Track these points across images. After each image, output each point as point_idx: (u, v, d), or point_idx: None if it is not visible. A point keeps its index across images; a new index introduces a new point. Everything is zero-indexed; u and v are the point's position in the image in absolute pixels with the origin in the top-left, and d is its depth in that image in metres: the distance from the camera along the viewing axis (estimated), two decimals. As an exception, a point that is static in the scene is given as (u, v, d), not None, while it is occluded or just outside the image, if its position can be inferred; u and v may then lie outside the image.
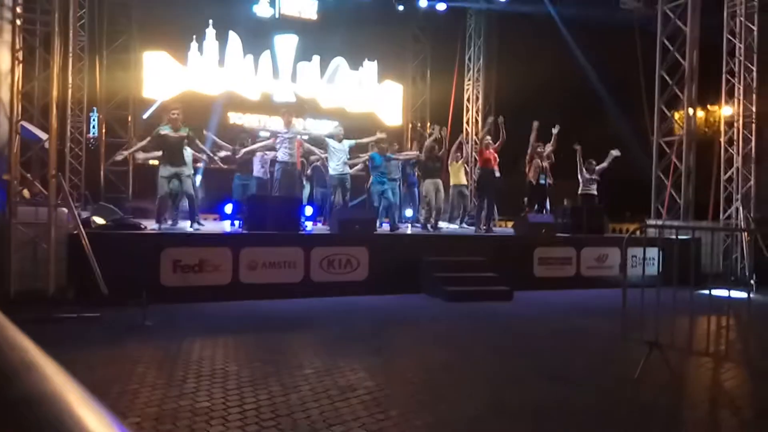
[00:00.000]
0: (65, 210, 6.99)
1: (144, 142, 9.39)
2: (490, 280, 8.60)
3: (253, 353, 5.00)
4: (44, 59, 7.64)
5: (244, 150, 10.24)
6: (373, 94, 16.34)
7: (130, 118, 13.62)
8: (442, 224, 11.23)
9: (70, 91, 11.82)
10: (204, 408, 3.60)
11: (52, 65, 7.14)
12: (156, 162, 11.16)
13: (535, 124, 10.89)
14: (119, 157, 11.26)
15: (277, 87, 15.05)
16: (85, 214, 8.29)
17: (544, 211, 11.31)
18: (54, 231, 6.75)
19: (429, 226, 10.45)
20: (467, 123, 17.67)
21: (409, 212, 12.48)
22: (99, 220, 7.92)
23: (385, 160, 10.45)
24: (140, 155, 10.72)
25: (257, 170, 10.64)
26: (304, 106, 11.17)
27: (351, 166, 10.94)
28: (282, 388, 3.99)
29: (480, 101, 17.54)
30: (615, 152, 11.28)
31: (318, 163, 11.45)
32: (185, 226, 8.80)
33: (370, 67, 16.34)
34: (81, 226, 6.78)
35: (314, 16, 15.53)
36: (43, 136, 7.64)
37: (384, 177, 10.36)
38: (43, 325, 5.55)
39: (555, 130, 11.09)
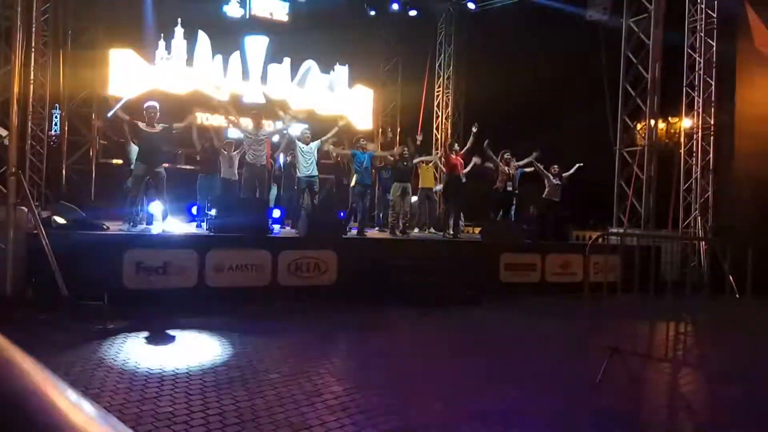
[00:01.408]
0: (25, 209, 6.79)
1: (126, 117, 8.62)
2: (457, 285, 8.68)
3: (218, 357, 4.94)
4: (5, 54, 7.43)
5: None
6: (344, 98, 16.33)
7: (93, 116, 13.30)
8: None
9: (32, 88, 11.48)
10: (166, 413, 3.54)
11: (14, 60, 6.94)
12: (120, 161, 10.94)
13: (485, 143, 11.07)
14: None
15: (246, 88, 14.91)
16: (45, 214, 8.06)
17: (510, 218, 11.48)
18: (13, 230, 6.54)
19: (397, 231, 10.50)
20: (437, 129, 17.83)
21: (381, 214, 12.51)
22: (60, 220, 7.71)
23: (369, 158, 10.46)
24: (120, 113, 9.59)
25: (225, 171, 10.51)
26: (278, 111, 11.09)
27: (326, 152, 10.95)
28: (247, 393, 3.96)
29: (449, 108, 17.74)
30: (579, 165, 11.67)
31: (287, 159, 11.34)
32: (150, 227, 8.64)
33: (341, 71, 16.33)
34: (41, 226, 6.59)
35: (285, 18, 15.45)
36: (3, 132, 7.43)
37: (367, 178, 10.37)
38: (0, 327, 5.37)
39: (474, 129, 11.07)
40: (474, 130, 10.90)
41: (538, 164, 11.57)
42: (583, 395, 4.35)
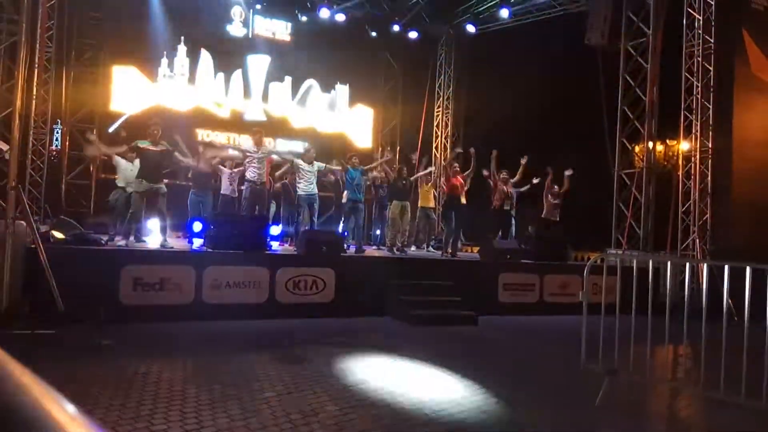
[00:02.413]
0: (23, 223, 6.79)
1: (122, 149, 9.04)
2: (455, 305, 8.65)
3: (214, 375, 4.89)
4: (9, 69, 7.49)
5: (209, 154, 10.14)
6: (344, 117, 16.45)
7: (95, 132, 13.36)
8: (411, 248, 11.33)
9: (34, 103, 11.56)
10: (160, 431, 3.50)
11: (17, 75, 7.00)
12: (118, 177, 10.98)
13: (494, 153, 11.28)
14: (90, 137, 10.24)
15: (248, 106, 15.02)
16: (43, 228, 8.06)
17: (509, 237, 11.49)
18: (11, 244, 6.53)
19: (395, 249, 10.49)
20: (436, 149, 17.93)
21: (378, 232, 12.52)
22: (58, 235, 7.71)
23: (361, 174, 10.51)
24: (105, 150, 10.03)
25: (225, 188, 10.54)
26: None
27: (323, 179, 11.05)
28: (242, 412, 3.92)
29: (449, 128, 17.85)
30: (567, 172, 11.71)
31: (287, 181, 11.41)
32: (148, 243, 8.64)
33: (342, 90, 16.47)
34: (39, 240, 6.58)
35: (287, 38, 15.62)
36: (4, 147, 7.45)
37: (359, 194, 10.41)
38: (-6, 343, 5.33)
39: (523, 161, 11.37)
40: (472, 151, 11.03)
41: (548, 181, 11.71)
42: (583, 418, 4.32)
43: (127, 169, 9.68)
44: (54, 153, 12.91)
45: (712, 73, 11.32)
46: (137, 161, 8.85)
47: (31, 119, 11.37)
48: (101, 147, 9.84)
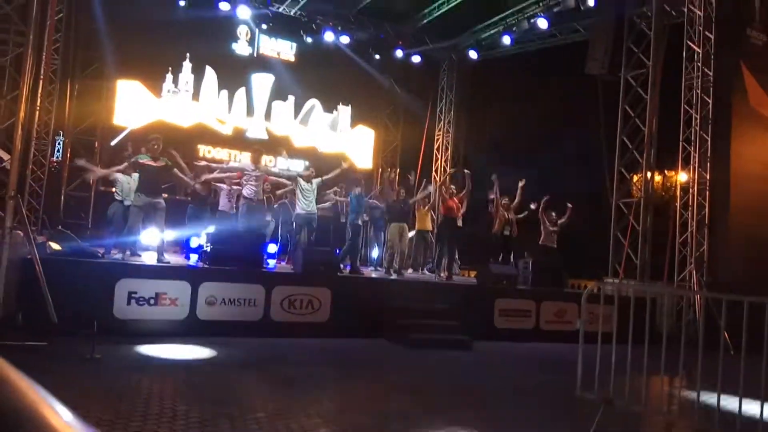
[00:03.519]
0: (20, 233, 6.77)
1: (122, 167, 9.20)
2: (450, 329, 8.60)
3: (205, 393, 4.85)
4: (14, 80, 7.55)
5: (205, 177, 10.12)
6: (346, 137, 16.55)
7: (97, 144, 13.41)
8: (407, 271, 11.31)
9: (37, 114, 11.61)
10: (149, 448, 3.45)
11: (22, 87, 7.05)
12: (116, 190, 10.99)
13: (494, 177, 11.32)
14: (80, 162, 10.58)
15: (250, 124, 15.12)
16: (41, 239, 8.04)
17: (508, 263, 11.47)
18: (7, 254, 6.50)
19: (392, 270, 10.47)
20: (436, 171, 18.00)
21: (375, 253, 12.49)
22: (55, 246, 7.68)
23: (361, 199, 10.60)
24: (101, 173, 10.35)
25: (223, 204, 10.53)
26: (279, 147, 11.24)
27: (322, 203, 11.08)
28: (232, 431, 3.87)
29: (449, 151, 17.96)
30: (569, 205, 11.78)
31: (286, 200, 11.42)
32: (144, 258, 8.61)
33: (344, 111, 16.60)
34: (35, 251, 6.55)
35: (292, 58, 15.80)
36: (5, 156, 7.47)
37: (361, 217, 10.49)
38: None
39: (521, 184, 11.44)
40: (467, 172, 11.05)
41: (540, 210, 11.71)
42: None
43: (125, 183, 9.69)
44: (55, 164, 12.94)
45: (710, 105, 11.43)
46: (136, 175, 8.87)
47: (33, 130, 11.42)
48: (97, 171, 10.06)
